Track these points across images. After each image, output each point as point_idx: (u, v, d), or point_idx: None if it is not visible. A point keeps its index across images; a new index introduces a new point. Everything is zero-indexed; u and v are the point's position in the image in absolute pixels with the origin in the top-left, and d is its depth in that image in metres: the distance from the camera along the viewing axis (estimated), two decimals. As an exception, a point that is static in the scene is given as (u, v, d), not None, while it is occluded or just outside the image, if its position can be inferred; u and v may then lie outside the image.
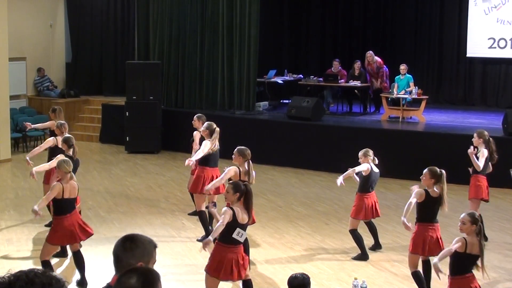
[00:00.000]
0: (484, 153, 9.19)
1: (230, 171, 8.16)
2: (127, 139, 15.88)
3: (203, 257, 8.85)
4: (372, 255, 8.94)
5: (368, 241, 9.10)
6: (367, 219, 8.94)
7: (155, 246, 3.27)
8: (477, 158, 9.20)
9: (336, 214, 11.00)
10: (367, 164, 8.73)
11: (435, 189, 7.35)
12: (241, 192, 6.56)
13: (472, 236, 6.14)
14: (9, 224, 10.21)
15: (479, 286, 6.28)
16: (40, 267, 2.43)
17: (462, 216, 6.29)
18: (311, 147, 14.22)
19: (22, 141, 16.07)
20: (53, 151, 9.55)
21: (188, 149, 10.72)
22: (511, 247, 9.38)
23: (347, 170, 8.82)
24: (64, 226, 7.58)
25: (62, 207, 7.61)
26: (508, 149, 12.02)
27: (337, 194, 12.20)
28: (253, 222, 8.06)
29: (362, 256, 8.79)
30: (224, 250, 6.56)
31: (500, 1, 16.82)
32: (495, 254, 8.81)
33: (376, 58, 15.79)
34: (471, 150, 9.24)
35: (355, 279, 6.84)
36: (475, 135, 9.42)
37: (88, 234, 7.87)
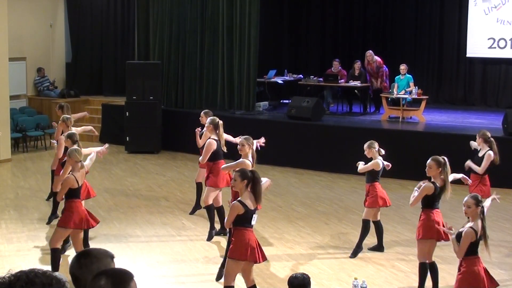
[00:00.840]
0: (490, 155, 9.17)
1: (245, 163, 8.16)
2: (127, 139, 15.88)
3: (203, 256, 8.87)
4: (372, 254, 8.94)
5: (369, 241, 9.09)
6: (388, 206, 8.96)
7: (112, 257, 3.18)
8: (482, 160, 9.20)
9: (336, 214, 11.01)
10: (377, 160, 8.75)
11: (439, 177, 7.40)
12: (249, 179, 6.58)
13: (476, 220, 6.24)
14: (9, 224, 10.20)
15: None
16: (40, 268, 2.43)
17: (465, 199, 6.40)
18: (311, 147, 14.22)
19: (22, 141, 16.06)
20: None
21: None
22: (511, 247, 9.38)
23: (360, 165, 8.89)
24: (78, 209, 7.66)
25: (74, 193, 7.69)
26: (508, 149, 12.02)
27: (337, 194, 12.21)
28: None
29: (357, 250, 8.88)
30: (245, 233, 6.58)
31: (500, 1, 16.82)
32: (495, 254, 8.78)
33: (376, 57, 15.79)
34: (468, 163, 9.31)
35: (355, 279, 6.84)
36: (477, 136, 9.42)
37: (95, 223, 7.95)
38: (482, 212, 6.31)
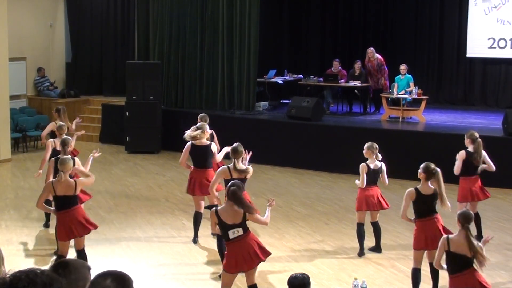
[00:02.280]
0: (461, 155, 9.11)
1: (222, 170, 8.27)
2: (127, 139, 15.88)
3: (203, 257, 8.87)
4: (372, 255, 8.94)
5: (369, 241, 9.09)
6: (371, 210, 8.88)
7: (89, 269, 3.19)
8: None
9: (336, 214, 11.00)
10: (363, 164, 8.72)
11: (429, 185, 7.36)
12: (226, 193, 6.69)
13: (460, 235, 6.14)
14: (9, 224, 10.20)
15: (485, 281, 6.22)
16: (39, 267, 2.43)
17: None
18: (311, 147, 14.22)
19: (22, 141, 16.07)
20: (54, 153, 9.53)
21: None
22: (511, 247, 9.38)
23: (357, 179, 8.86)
24: (65, 221, 7.63)
25: (60, 204, 7.68)
26: (508, 149, 12.02)
27: (337, 194, 12.21)
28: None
29: (360, 252, 8.90)
30: (234, 246, 6.64)
31: (500, 1, 16.82)
32: (495, 254, 8.79)
33: (377, 55, 15.79)
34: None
35: (355, 279, 6.83)
36: (465, 136, 9.35)
37: (86, 231, 7.81)
38: (468, 228, 6.12)
